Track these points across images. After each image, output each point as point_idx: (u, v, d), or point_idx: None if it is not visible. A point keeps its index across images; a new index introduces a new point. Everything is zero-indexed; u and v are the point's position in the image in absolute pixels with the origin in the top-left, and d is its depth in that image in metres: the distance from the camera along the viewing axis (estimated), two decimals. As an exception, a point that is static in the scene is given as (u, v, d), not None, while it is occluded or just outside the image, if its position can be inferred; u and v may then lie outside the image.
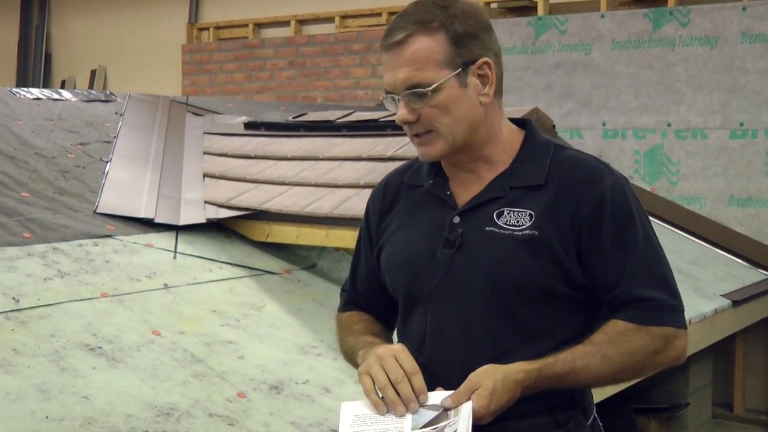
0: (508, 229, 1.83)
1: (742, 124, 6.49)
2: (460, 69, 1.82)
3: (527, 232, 1.82)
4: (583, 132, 7.09)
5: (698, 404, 6.02)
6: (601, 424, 1.95)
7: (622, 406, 5.41)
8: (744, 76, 6.50)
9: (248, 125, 5.43)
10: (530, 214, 1.83)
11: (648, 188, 6.78)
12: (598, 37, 7.04)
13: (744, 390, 6.52)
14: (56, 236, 3.73)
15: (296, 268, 4.19)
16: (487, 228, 1.85)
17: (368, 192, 2.09)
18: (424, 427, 1.75)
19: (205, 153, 5.11)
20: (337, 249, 4.13)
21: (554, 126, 4.72)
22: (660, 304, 1.81)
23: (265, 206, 4.23)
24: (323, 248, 4.19)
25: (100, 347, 3.00)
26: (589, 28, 7.08)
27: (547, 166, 1.87)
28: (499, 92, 1.91)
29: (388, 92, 1.87)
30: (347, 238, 3.91)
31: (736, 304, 5.40)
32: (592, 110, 7.06)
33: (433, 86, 1.81)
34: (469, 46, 1.83)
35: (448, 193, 1.93)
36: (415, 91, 1.82)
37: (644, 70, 6.86)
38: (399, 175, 2.06)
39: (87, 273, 3.49)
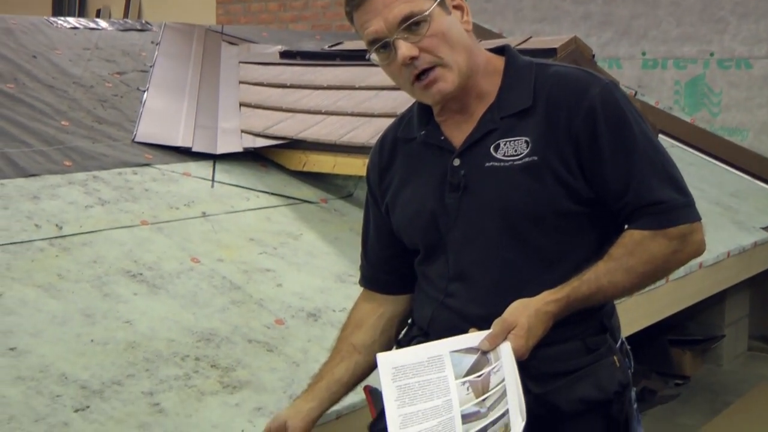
0: (507, 161, 1.82)
1: (788, 53, 6.37)
2: None
3: (527, 159, 1.81)
4: (622, 62, 6.99)
5: (734, 337, 6.01)
6: (628, 347, 1.96)
7: (657, 337, 5.42)
8: (792, 2, 6.35)
9: (284, 54, 5.41)
10: (526, 141, 1.82)
11: (688, 119, 6.69)
12: (640, -36, 6.90)
13: (780, 323, 6.49)
14: (96, 165, 3.77)
15: (333, 197, 4.20)
16: (488, 164, 1.84)
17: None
18: (467, 374, 1.74)
19: (241, 82, 5.10)
20: (371, 178, 4.12)
21: (593, 56, 4.66)
22: (671, 204, 1.79)
23: (302, 135, 4.23)
24: (360, 177, 4.18)
25: (141, 274, 3.04)
26: (630, -45, 6.94)
27: (532, 87, 1.85)
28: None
29: (375, 42, 1.82)
30: (384, 168, 3.90)
31: (775, 236, 5.36)
32: (632, 39, 6.95)
33: (428, 12, 1.78)
34: None
35: (443, 138, 1.91)
36: (414, 20, 1.78)
37: (686, -3, 6.73)
38: (392, 131, 2.05)
39: (127, 201, 3.53)
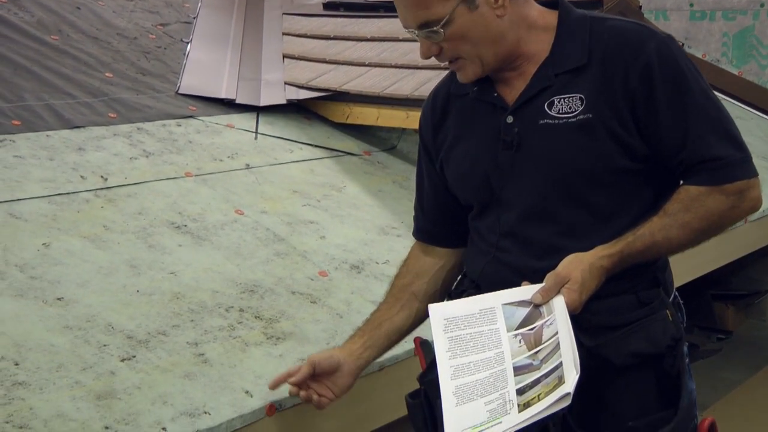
0: (562, 118, 1.81)
1: (839, 4, 6.22)
2: None
3: (581, 116, 1.80)
4: (669, 13, 6.87)
5: (778, 292, 5.96)
6: (681, 301, 1.95)
7: (699, 292, 5.39)
8: None
9: (327, 5, 5.38)
10: (581, 98, 1.81)
11: (736, 72, 6.58)
12: None
13: (827, 278, 6.41)
14: (140, 116, 3.79)
15: (376, 149, 4.19)
16: (541, 121, 1.83)
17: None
18: (519, 327, 1.74)
19: (284, 34, 5.09)
20: (417, 130, 4.12)
21: (640, 7, 4.59)
22: (729, 160, 1.78)
23: (345, 87, 4.21)
24: (403, 130, 4.17)
25: (185, 225, 3.06)
26: None
27: (587, 43, 1.83)
28: None
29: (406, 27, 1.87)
30: (427, 121, 3.89)
31: (823, 191, 5.26)
32: (680, -10, 6.82)
33: (442, 22, 1.78)
34: None
35: (496, 95, 1.91)
36: (428, 31, 1.81)
37: (737, -54, 6.58)
38: (445, 86, 2.05)
39: (171, 153, 3.55)
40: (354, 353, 2.12)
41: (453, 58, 1.86)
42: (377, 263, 3.15)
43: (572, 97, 1.81)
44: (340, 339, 2.61)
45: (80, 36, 4.39)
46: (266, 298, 2.77)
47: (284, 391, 2.31)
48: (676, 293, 1.94)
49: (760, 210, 4.86)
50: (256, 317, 2.65)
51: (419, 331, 2.46)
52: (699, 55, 6.59)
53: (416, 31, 1.83)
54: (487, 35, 1.82)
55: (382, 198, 3.71)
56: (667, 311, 1.84)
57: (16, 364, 2.18)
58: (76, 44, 4.27)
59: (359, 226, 3.43)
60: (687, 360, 1.88)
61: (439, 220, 2.14)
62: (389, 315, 2.14)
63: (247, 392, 2.29)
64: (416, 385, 2.07)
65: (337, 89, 4.23)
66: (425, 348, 2.09)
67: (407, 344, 2.61)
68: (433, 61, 4.13)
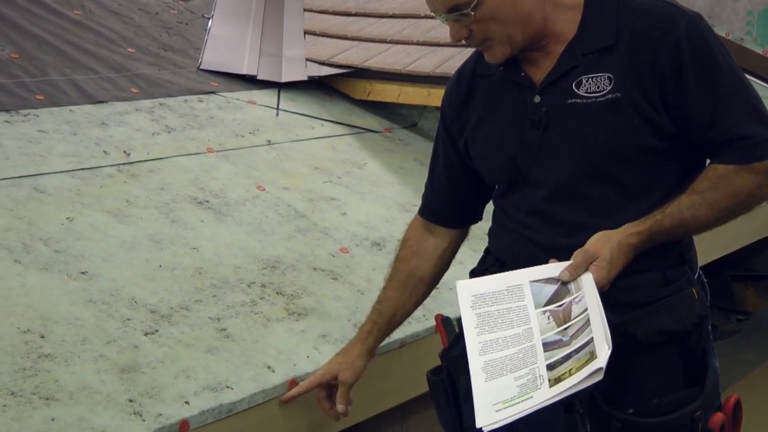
0: (590, 97, 1.81)
1: None
2: None
3: (609, 96, 1.79)
4: (692, -9, 6.80)
5: (799, 273, 5.92)
6: (705, 280, 1.95)
7: (719, 272, 5.37)
8: None
9: (349, -18, 5.36)
10: (609, 77, 1.80)
11: (760, 51, 6.52)
12: None
13: None
14: (162, 92, 3.80)
15: (397, 126, 4.19)
16: (570, 100, 1.83)
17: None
18: (547, 304, 1.74)
19: (305, 10, 5.07)
20: (438, 108, 4.11)
21: (664, -16, 4.55)
22: (757, 139, 1.77)
23: (367, 64, 4.20)
24: (425, 107, 4.17)
25: (207, 201, 3.07)
26: None
27: (615, 22, 1.82)
28: None
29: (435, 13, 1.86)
30: (449, 98, 3.88)
31: None
32: (704, -32, 6.75)
33: (472, 5, 1.77)
34: None
35: (523, 74, 1.90)
36: (457, 14, 1.80)
37: None
38: (470, 66, 2.04)
39: (193, 128, 3.56)
40: (372, 350, 2.22)
41: (482, 40, 1.85)
42: (398, 240, 3.13)
43: (600, 76, 1.80)
44: (360, 315, 2.62)
45: (102, 11, 4.40)
46: (288, 274, 2.78)
47: (305, 366, 2.34)
48: (701, 272, 1.94)
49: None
50: (277, 293, 2.67)
51: (439, 308, 2.48)
52: (722, 33, 6.52)
53: (445, 16, 1.82)
54: (516, 15, 1.81)
55: (403, 175, 3.72)
56: (693, 289, 1.85)
57: (42, 337, 2.20)
58: (98, 19, 4.28)
59: (380, 203, 3.43)
60: (711, 338, 1.88)
61: (449, 200, 2.15)
62: (401, 303, 2.19)
63: (269, 367, 2.31)
64: (436, 362, 2.08)
65: (359, 66, 4.22)
66: (447, 325, 2.10)
67: (427, 321, 2.62)
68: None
